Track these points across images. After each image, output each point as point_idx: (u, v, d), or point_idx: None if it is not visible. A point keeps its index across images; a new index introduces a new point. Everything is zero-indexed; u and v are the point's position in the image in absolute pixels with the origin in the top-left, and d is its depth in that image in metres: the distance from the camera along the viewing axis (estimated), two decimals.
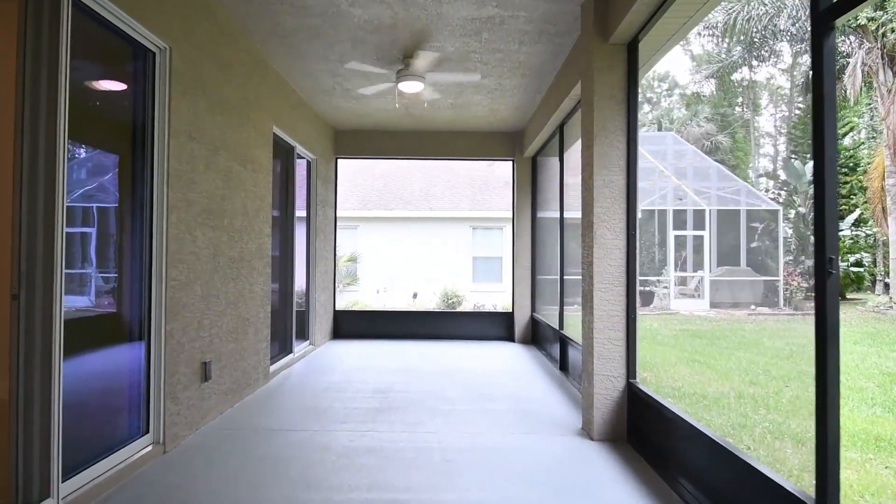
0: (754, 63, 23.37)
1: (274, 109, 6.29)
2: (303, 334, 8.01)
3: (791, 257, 17.92)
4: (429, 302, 16.14)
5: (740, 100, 31.44)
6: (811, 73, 2.26)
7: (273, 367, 6.39)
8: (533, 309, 9.28)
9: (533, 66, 6.08)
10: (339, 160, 9.44)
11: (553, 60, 5.92)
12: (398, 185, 17.60)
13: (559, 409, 5.17)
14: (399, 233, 16.54)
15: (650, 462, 3.82)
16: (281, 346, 6.95)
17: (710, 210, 17.29)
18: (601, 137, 4.38)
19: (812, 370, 2.15)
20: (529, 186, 9.31)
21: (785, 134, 27.88)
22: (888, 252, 16.50)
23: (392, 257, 16.50)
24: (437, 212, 16.52)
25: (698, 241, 17.52)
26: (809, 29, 2.36)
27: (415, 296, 16.47)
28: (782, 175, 22.48)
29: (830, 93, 2.21)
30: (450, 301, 15.72)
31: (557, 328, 7.07)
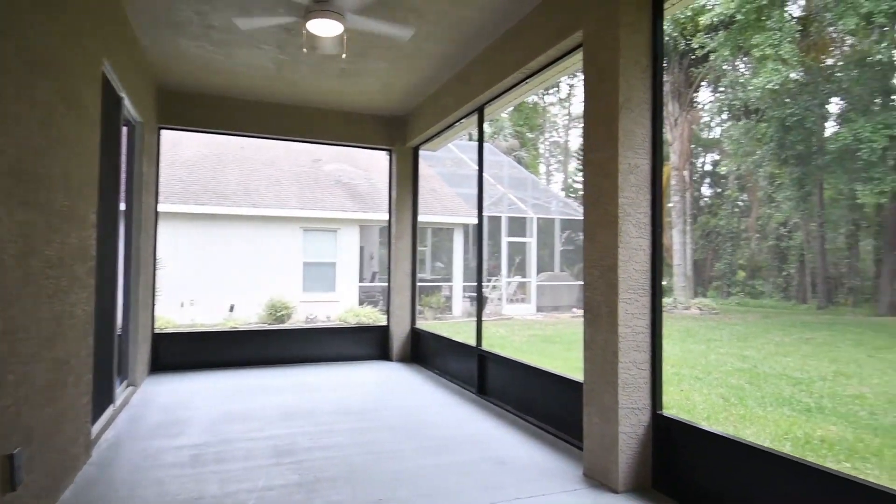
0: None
1: (106, 35, 4.13)
2: (121, 371, 5.65)
3: None
4: (250, 315, 13.75)
5: (541, 121, 34.36)
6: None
7: (94, 431, 4.18)
8: (414, 321, 8.10)
9: (471, 25, 4.97)
10: (162, 130, 7.10)
11: (495, 23, 4.90)
12: (209, 176, 14.76)
13: (531, 450, 4.14)
14: (211, 233, 13.82)
15: None
16: (100, 395, 4.65)
17: (532, 218, 18.01)
18: (626, 111, 3.50)
19: None
20: (411, 181, 8.14)
21: (575, 153, 31.27)
22: (671, 259, 19.06)
23: (201, 263, 13.70)
24: (260, 209, 14.20)
25: (523, 246, 18.13)
26: None
27: (231, 309, 13.91)
28: (581, 189, 24.76)
29: None
30: (278, 314, 13.58)
31: (475, 345, 6.04)
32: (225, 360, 7.37)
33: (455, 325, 13.88)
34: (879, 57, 14.98)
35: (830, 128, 16.80)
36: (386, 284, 16.78)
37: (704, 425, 3.37)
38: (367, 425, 4.71)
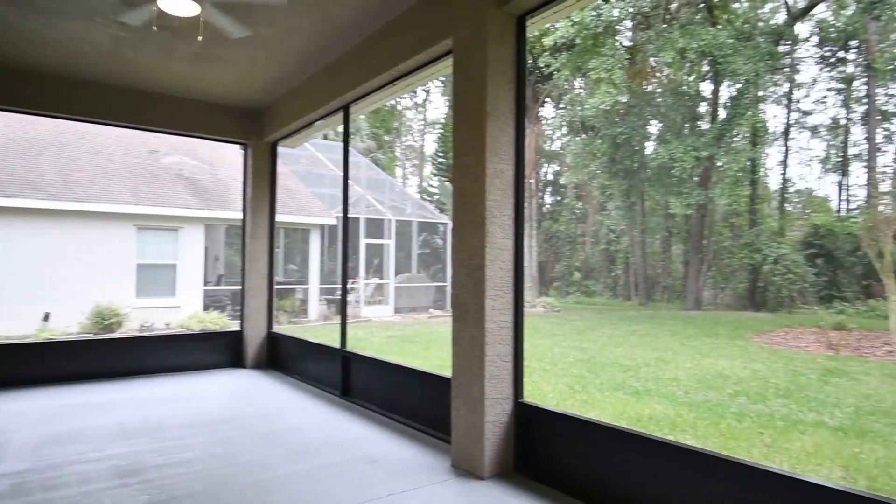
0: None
1: None
2: None
3: None
4: (71, 325, 12.08)
5: (397, 124, 34.66)
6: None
7: None
8: (271, 325, 7.74)
9: (340, 21, 4.90)
10: None
11: (365, 22, 4.90)
12: (17, 164, 12.70)
13: (400, 447, 4.20)
14: (19, 231, 11.92)
15: (567, 492, 3.33)
16: None
17: (391, 220, 18.15)
18: (493, 119, 3.71)
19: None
20: (268, 178, 7.77)
21: (430, 158, 32.06)
22: None
23: (6, 265, 11.75)
24: (84, 204, 12.52)
25: (381, 248, 18.19)
26: None
27: (46, 317, 12.11)
28: (437, 193, 25.51)
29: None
30: (106, 322, 12.11)
31: (339, 346, 5.94)
32: (42, 375, 6.41)
33: (312, 329, 13.50)
34: (689, 88, 17.53)
35: (651, 147, 19.23)
36: (234, 288, 15.83)
37: (559, 409, 3.70)
38: (225, 436, 4.42)
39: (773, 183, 21.02)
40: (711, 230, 19.39)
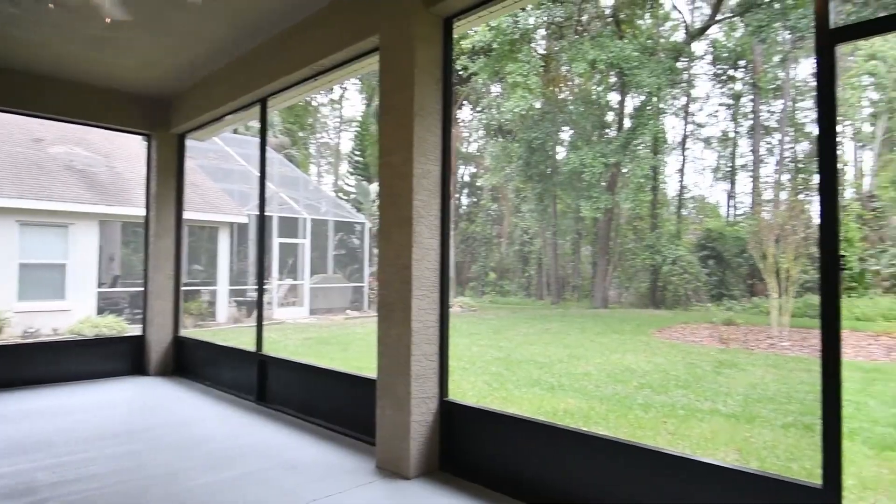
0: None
1: None
2: None
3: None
4: None
5: (311, 120, 33.72)
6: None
7: None
8: (177, 329, 7.28)
9: (259, 10, 4.71)
10: None
11: (286, 13, 4.73)
12: None
13: (323, 451, 4.11)
14: None
15: (491, 486, 3.40)
16: None
17: (306, 219, 17.67)
18: (420, 119, 3.71)
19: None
20: (175, 173, 7.30)
21: (346, 156, 31.46)
22: None
23: None
24: None
25: (295, 248, 17.67)
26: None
27: None
28: (354, 192, 25.14)
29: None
30: None
31: (255, 350, 5.69)
32: None
33: (222, 333, 12.86)
34: (598, 98, 18.45)
35: (563, 153, 20.05)
36: (132, 290, 14.71)
37: (482, 405, 3.78)
38: (131, 448, 4.10)
39: (672, 189, 22.58)
40: (617, 233, 20.52)
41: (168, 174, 7.26)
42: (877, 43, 15.70)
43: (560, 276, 22.53)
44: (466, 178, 29.09)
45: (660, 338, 11.23)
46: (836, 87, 2.49)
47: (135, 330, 7.52)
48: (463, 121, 25.87)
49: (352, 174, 27.38)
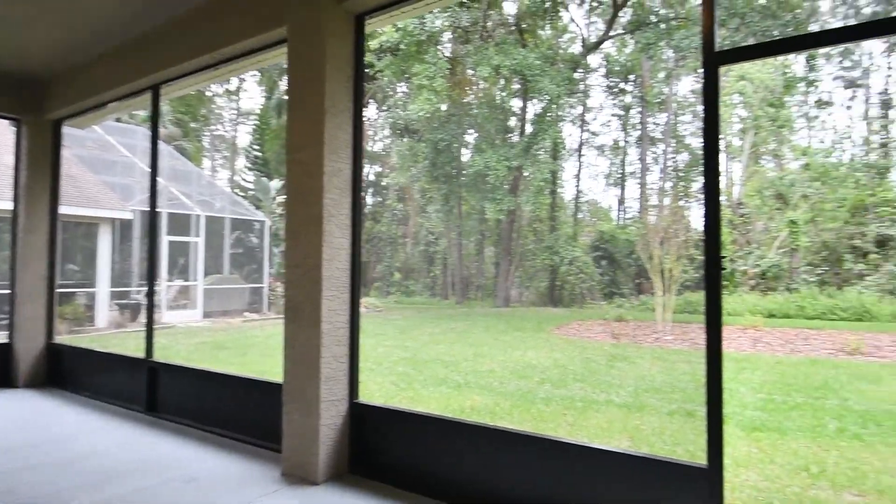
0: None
1: None
2: None
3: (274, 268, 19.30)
4: None
5: (205, 111, 31.79)
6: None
7: None
8: (51, 336, 6.59)
9: None
10: None
11: None
12: None
13: (223, 462, 3.90)
14: None
15: (402, 486, 3.41)
16: None
17: (199, 216, 16.68)
18: (332, 116, 3.63)
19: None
20: (50, 163, 6.59)
21: (244, 150, 29.98)
22: None
23: None
24: None
25: (187, 247, 16.62)
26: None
27: None
28: (252, 188, 24.03)
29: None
30: None
31: (144, 356, 5.28)
32: None
33: (102, 339, 11.82)
34: (503, 102, 19.03)
35: (468, 155, 20.47)
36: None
37: (391, 405, 3.77)
38: (1, 469, 3.65)
39: (569, 193, 23.79)
40: (519, 234, 21.27)
41: (41, 164, 6.54)
42: (745, 65, 17.48)
43: (464, 276, 22.98)
44: (372, 178, 28.84)
45: (558, 334, 11.79)
46: (720, 104, 2.74)
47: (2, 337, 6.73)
48: (369, 118, 25.62)
49: (250, 170, 26.14)
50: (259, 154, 26.03)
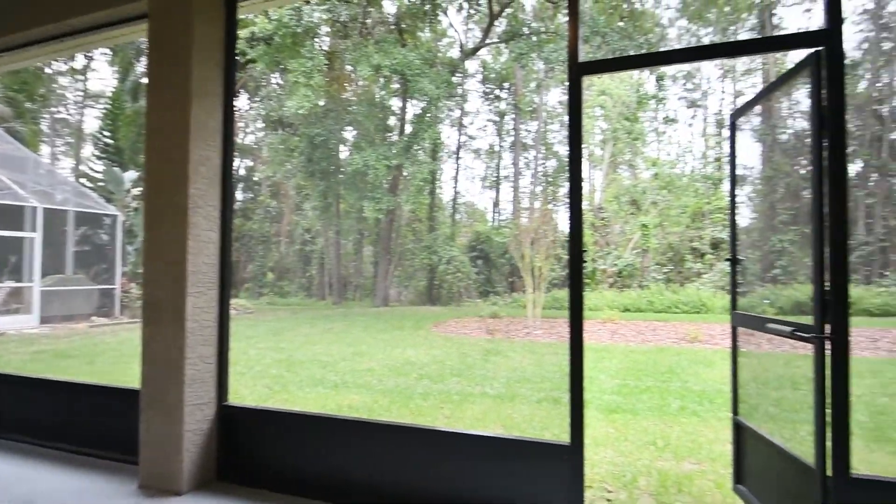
0: None
1: None
2: None
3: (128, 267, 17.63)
4: None
5: (44, 90, 28.05)
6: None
7: None
8: None
9: None
10: None
11: None
12: None
13: (71, 480, 3.50)
14: None
15: (276, 489, 3.30)
16: None
17: (37, 208, 14.74)
18: (199, 101, 3.41)
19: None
20: None
21: (92, 136, 26.86)
22: None
23: None
24: None
25: (21, 243, 14.63)
26: None
27: None
28: (102, 179, 21.67)
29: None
30: None
31: None
32: None
33: None
34: (383, 101, 18.95)
35: (347, 152, 20.14)
36: None
37: (264, 406, 3.62)
38: None
39: (447, 194, 24.34)
40: (398, 233, 21.36)
41: None
42: (606, 80, 19.06)
43: (342, 276, 22.61)
44: (243, 172, 27.37)
45: (437, 332, 12.01)
46: (583, 112, 2.97)
47: None
48: (240, 109, 24.27)
49: (100, 158, 23.52)
50: (111, 141, 23.52)
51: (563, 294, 14.97)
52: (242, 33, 15.83)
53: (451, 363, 8.52)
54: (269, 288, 24.02)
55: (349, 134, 20.53)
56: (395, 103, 20.72)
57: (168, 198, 3.36)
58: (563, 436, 2.73)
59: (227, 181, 3.58)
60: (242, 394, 6.64)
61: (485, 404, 6.12)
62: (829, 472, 2.33)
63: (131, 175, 20.06)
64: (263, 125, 22.78)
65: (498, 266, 19.53)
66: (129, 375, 3.36)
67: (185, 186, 3.32)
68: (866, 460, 4.31)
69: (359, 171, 16.87)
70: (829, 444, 2.34)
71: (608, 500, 3.39)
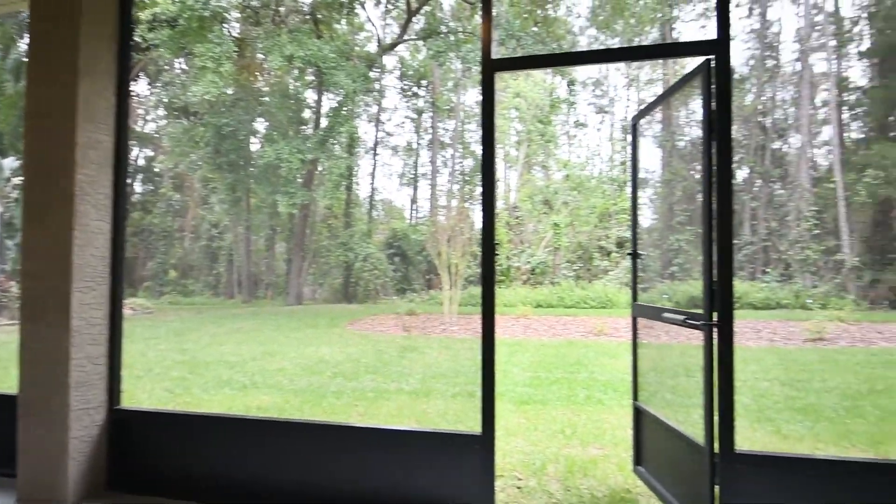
0: None
1: None
2: None
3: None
4: None
5: None
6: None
7: None
8: None
9: None
10: None
11: None
12: None
13: None
14: None
15: (172, 495, 3.11)
16: None
17: None
18: (89, 79, 3.13)
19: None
20: None
21: None
22: None
23: None
24: None
25: None
26: None
27: None
28: None
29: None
30: None
31: None
32: None
33: None
34: (297, 92, 18.36)
35: (259, 144, 19.34)
36: None
37: (161, 408, 3.40)
38: None
39: (364, 191, 24.02)
40: (313, 230, 20.81)
41: None
42: (521, 83, 19.59)
43: (253, 274, 21.73)
44: (142, 162, 25.60)
45: (352, 330, 11.83)
46: (499, 113, 3.02)
47: None
48: (138, 94, 22.65)
49: None
50: None
51: (479, 290, 15.22)
52: (143, 15, 14.76)
53: (367, 361, 8.43)
54: (172, 286, 22.62)
55: (260, 125, 19.72)
56: (311, 96, 20.17)
57: (52, 184, 3.07)
58: (476, 428, 2.77)
59: (121, 167, 3.32)
60: (140, 398, 6.21)
61: (400, 401, 6.11)
62: (716, 450, 2.53)
63: (10, 163, 18.20)
64: (165, 113, 21.36)
65: (415, 263, 19.56)
66: (7, 381, 3.03)
67: (72, 172, 3.04)
68: (750, 438, 4.71)
69: (271, 164, 16.24)
70: (717, 425, 2.54)
71: (518, 488, 3.48)
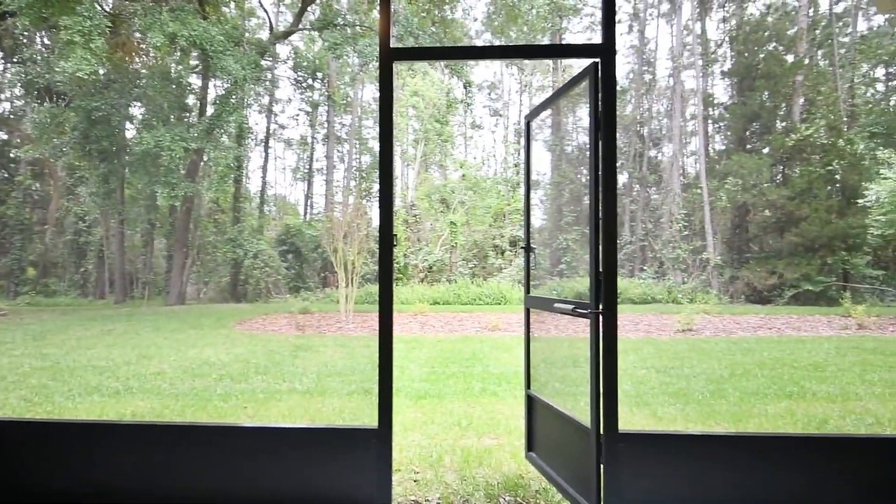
0: None
1: None
2: None
3: None
4: None
5: None
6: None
7: None
8: None
9: None
10: None
11: None
12: None
13: None
14: None
15: None
16: None
17: None
18: None
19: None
20: None
21: None
22: None
23: None
24: None
25: None
26: None
27: None
28: None
29: None
30: None
31: None
32: None
33: None
34: (179, 76, 17.06)
35: (135, 130, 17.74)
36: None
37: (9, 417, 3.00)
38: None
39: (255, 185, 22.94)
40: (197, 225, 19.51)
41: None
42: (418, 82, 19.67)
43: (127, 272, 19.95)
44: None
45: (240, 329, 11.24)
46: (397, 110, 2.99)
47: None
48: None
49: None
50: None
51: (377, 288, 15.09)
52: None
53: (257, 361, 8.04)
54: (30, 286, 20.23)
55: (137, 110, 18.14)
56: (195, 81, 18.88)
57: None
58: (374, 422, 2.71)
59: None
60: None
61: (293, 400, 5.87)
62: (601, 431, 2.68)
63: None
64: (24, 92, 19.01)
65: (310, 261, 18.99)
66: None
67: None
68: (630, 421, 5.05)
69: (149, 152, 14.95)
70: (602, 409, 2.69)
71: (415, 481, 3.46)
